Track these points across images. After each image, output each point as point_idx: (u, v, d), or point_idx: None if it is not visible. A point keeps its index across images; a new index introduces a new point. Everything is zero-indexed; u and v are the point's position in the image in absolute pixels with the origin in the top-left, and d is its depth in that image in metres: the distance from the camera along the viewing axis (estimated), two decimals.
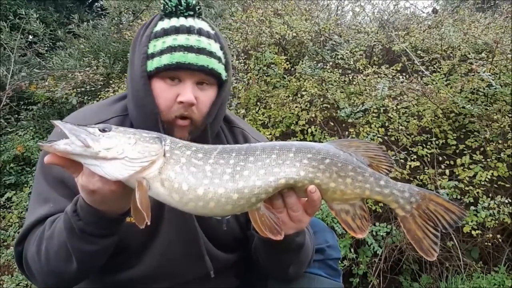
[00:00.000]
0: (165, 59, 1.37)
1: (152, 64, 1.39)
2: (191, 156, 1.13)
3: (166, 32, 1.41)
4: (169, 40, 1.39)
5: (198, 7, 1.47)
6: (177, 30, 1.41)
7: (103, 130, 1.08)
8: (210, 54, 1.41)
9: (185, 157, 1.12)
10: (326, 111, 3.61)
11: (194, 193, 1.09)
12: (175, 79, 1.40)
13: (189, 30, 1.41)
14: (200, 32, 1.43)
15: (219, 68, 1.44)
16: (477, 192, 3.14)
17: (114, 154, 1.05)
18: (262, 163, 1.14)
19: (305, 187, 1.16)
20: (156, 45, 1.41)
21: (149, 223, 1.05)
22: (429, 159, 3.36)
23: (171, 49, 1.38)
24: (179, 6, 1.45)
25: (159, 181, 1.09)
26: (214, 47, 1.44)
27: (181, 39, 1.39)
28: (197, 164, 1.12)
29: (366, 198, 1.20)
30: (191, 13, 1.46)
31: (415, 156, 3.30)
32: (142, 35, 1.45)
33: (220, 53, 1.45)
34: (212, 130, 1.50)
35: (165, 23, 1.44)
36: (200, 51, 1.39)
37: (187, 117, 1.40)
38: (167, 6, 1.45)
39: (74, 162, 1.07)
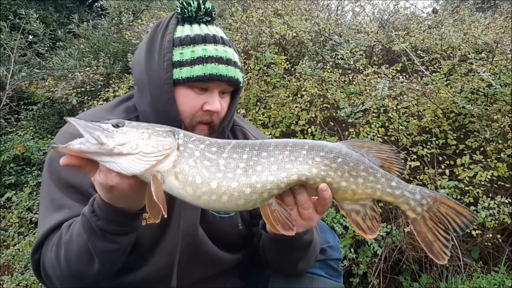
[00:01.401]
0: (198, 70, 1.40)
1: (181, 73, 1.41)
2: (205, 150, 1.14)
3: (193, 41, 1.43)
4: (199, 50, 1.41)
5: (214, 12, 1.50)
6: (204, 39, 1.44)
7: (116, 126, 1.09)
8: (235, 64, 1.46)
9: (199, 151, 1.13)
10: (326, 111, 3.61)
11: (208, 186, 1.10)
12: (203, 88, 1.43)
13: (215, 40, 1.45)
14: (223, 42, 1.47)
15: (241, 77, 1.49)
16: (477, 192, 3.14)
17: (129, 150, 1.06)
18: (275, 159, 1.15)
19: (317, 185, 1.16)
20: (184, 53, 1.42)
21: (165, 216, 1.06)
22: (429, 159, 3.36)
23: (203, 60, 1.40)
24: (199, 12, 1.46)
25: (173, 174, 1.10)
26: (236, 56, 1.49)
27: (210, 50, 1.42)
28: (211, 158, 1.13)
29: (377, 198, 1.20)
30: (209, 19, 1.48)
31: (415, 156, 3.30)
32: (162, 39, 1.45)
33: (239, 61, 1.49)
34: (227, 131, 1.55)
35: (188, 30, 1.45)
36: (228, 62, 1.44)
37: (208, 122, 1.45)
38: (185, 11, 1.46)
39: (90, 161, 1.08)
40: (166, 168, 1.09)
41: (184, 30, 1.45)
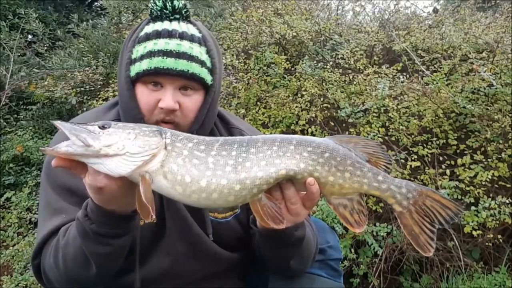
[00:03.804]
0: (144, 64, 1.37)
1: (134, 69, 1.40)
2: (193, 148, 1.14)
3: (148, 37, 1.41)
4: (150, 45, 1.39)
5: (185, 9, 1.45)
6: (158, 35, 1.40)
7: (102, 127, 1.09)
8: (191, 58, 1.39)
9: (187, 150, 1.13)
10: (326, 111, 3.60)
11: (197, 185, 1.10)
12: (157, 84, 1.39)
13: (170, 34, 1.40)
14: (182, 36, 1.41)
15: (201, 72, 1.41)
16: (478, 192, 3.13)
17: (115, 151, 1.06)
18: (264, 154, 1.15)
19: (304, 180, 1.17)
20: (138, 50, 1.41)
21: (154, 217, 1.05)
22: (429, 159, 3.35)
23: (150, 54, 1.37)
24: (164, 10, 1.43)
25: (162, 174, 1.10)
26: (197, 50, 1.41)
27: (161, 44, 1.38)
28: (200, 156, 1.13)
29: (364, 193, 1.22)
30: (177, 16, 1.44)
31: (415, 156, 3.29)
32: (129, 40, 1.45)
33: (204, 57, 1.43)
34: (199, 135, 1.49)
35: (149, 28, 1.43)
36: (179, 55, 1.38)
37: (170, 122, 1.39)
38: (153, 10, 1.44)
39: (80, 162, 1.08)
40: (154, 168, 1.09)
41: (147, 29, 1.44)
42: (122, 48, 1.49)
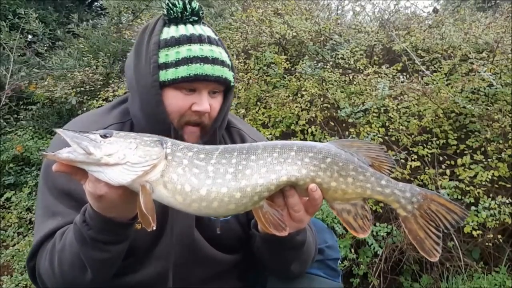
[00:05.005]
0: (182, 71, 1.38)
1: (167, 75, 1.39)
2: (193, 158, 1.13)
3: (178, 42, 1.42)
4: (184, 51, 1.40)
5: (202, 11, 1.48)
6: (189, 40, 1.42)
7: (104, 136, 1.09)
8: (223, 63, 1.44)
9: (187, 159, 1.13)
10: (326, 111, 3.60)
11: (197, 193, 1.10)
12: (191, 89, 1.41)
13: (200, 39, 1.42)
14: (210, 41, 1.44)
15: (230, 76, 1.46)
16: (478, 192, 3.13)
17: (116, 160, 1.06)
18: (264, 161, 1.14)
19: (306, 186, 1.16)
20: (168, 55, 1.41)
21: (155, 227, 1.05)
22: (429, 159, 3.35)
23: (187, 60, 1.39)
24: (185, 12, 1.44)
25: (162, 183, 1.09)
26: (224, 55, 1.46)
27: (195, 50, 1.40)
28: (200, 165, 1.12)
29: (367, 197, 1.20)
30: (196, 18, 1.46)
31: (415, 156, 3.29)
32: (148, 41, 1.44)
33: (228, 60, 1.47)
34: (219, 133, 1.52)
35: (173, 31, 1.44)
36: (214, 61, 1.41)
37: (199, 124, 1.42)
38: (171, 12, 1.44)
39: (80, 169, 1.08)
40: (154, 178, 1.09)
41: (169, 32, 1.44)
42: (137, 50, 1.46)
